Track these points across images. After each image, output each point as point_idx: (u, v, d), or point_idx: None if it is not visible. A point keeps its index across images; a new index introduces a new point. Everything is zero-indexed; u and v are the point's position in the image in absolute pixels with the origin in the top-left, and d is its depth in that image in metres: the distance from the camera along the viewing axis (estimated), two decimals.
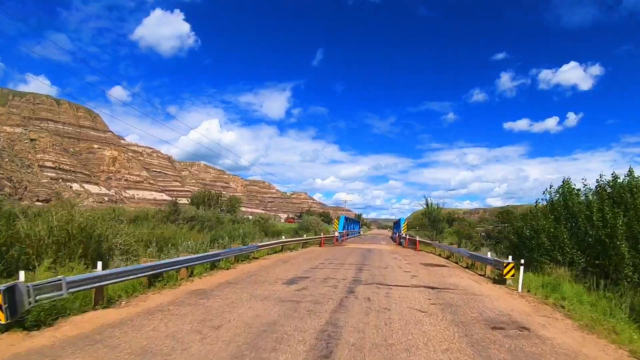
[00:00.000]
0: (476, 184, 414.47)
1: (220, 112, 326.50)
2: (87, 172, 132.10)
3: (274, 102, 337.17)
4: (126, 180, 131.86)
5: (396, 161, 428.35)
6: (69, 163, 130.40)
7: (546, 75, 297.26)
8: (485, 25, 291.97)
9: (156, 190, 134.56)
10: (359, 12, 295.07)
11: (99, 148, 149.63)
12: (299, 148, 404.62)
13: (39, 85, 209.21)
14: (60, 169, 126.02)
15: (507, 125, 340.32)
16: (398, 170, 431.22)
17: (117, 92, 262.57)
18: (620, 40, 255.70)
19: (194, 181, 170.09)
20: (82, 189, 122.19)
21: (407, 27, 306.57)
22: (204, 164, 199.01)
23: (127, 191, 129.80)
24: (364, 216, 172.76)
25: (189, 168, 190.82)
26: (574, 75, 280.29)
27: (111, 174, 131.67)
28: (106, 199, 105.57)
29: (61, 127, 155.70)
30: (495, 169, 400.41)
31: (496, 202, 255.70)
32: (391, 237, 51.38)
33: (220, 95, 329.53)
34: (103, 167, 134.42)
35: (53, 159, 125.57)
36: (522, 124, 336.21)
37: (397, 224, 44.82)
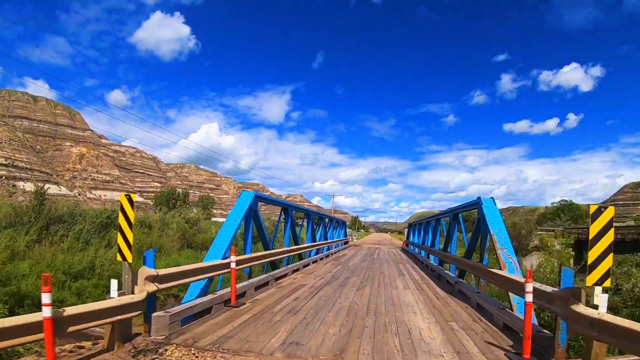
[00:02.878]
0: (475, 186, 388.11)
1: (220, 115, 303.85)
2: (48, 171, 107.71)
3: (274, 105, 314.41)
4: (93, 179, 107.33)
5: (395, 164, 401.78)
6: (26, 160, 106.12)
7: (547, 77, 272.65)
8: (486, 26, 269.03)
9: (127, 191, 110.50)
10: (360, 14, 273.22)
11: (70, 145, 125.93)
12: (298, 151, 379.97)
13: (35, 87, 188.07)
14: (14, 166, 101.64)
15: (507, 126, 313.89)
16: (397, 173, 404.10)
17: (116, 96, 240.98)
18: (621, 41, 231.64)
19: (179, 182, 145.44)
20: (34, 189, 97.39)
21: (408, 29, 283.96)
22: (195, 166, 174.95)
23: (93, 192, 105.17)
24: (362, 219, 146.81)
25: (178, 170, 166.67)
26: (575, 76, 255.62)
27: (76, 173, 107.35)
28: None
29: (36, 125, 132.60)
30: (494, 171, 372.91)
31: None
32: (402, 250, 26.16)
33: (219, 99, 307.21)
34: (69, 165, 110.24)
35: (7, 155, 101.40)
36: (522, 126, 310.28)
37: (431, 224, 19.33)
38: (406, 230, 31.16)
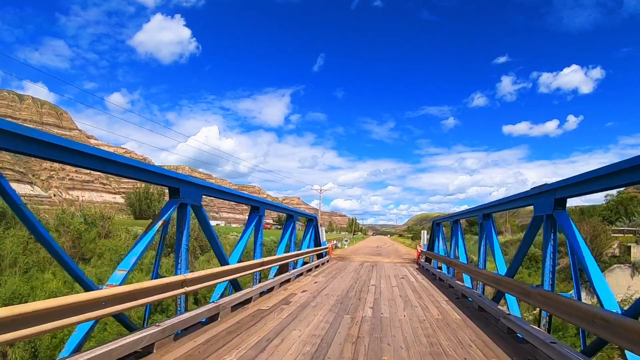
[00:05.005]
0: (474, 188, 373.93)
1: (220, 118, 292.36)
2: (22, 170, 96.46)
3: (273, 108, 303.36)
4: (71, 179, 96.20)
5: (395, 166, 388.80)
6: None
7: (547, 79, 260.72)
8: (487, 29, 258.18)
9: (109, 192, 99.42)
10: (361, 17, 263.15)
11: None
12: (297, 154, 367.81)
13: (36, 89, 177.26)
14: None
15: (507, 128, 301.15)
16: (396, 176, 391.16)
17: (116, 99, 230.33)
18: (621, 42, 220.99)
19: None
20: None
21: (408, 32, 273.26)
22: (190, 168, 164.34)
23: (71, 192, 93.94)
24: (360, 222, 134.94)
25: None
26: (575, 78, 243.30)
27: (53, 172, 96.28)
28: None
29: (20, 123, 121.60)
30: (493, 173, 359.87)
31: None
32: (419, 267, 14.60)
33: (219, 102, 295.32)
34: (45, 164, 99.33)
35: None
36: (521, 127, 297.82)
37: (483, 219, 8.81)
38: (424, 233, 19.08)
